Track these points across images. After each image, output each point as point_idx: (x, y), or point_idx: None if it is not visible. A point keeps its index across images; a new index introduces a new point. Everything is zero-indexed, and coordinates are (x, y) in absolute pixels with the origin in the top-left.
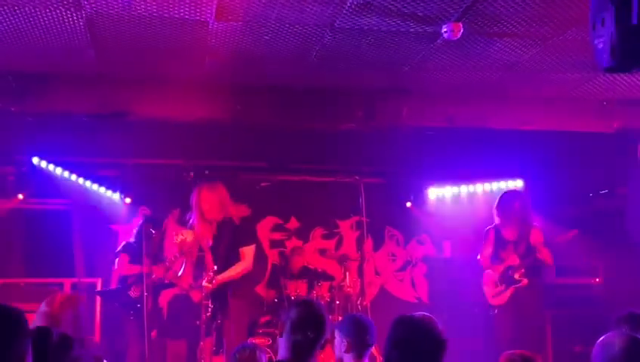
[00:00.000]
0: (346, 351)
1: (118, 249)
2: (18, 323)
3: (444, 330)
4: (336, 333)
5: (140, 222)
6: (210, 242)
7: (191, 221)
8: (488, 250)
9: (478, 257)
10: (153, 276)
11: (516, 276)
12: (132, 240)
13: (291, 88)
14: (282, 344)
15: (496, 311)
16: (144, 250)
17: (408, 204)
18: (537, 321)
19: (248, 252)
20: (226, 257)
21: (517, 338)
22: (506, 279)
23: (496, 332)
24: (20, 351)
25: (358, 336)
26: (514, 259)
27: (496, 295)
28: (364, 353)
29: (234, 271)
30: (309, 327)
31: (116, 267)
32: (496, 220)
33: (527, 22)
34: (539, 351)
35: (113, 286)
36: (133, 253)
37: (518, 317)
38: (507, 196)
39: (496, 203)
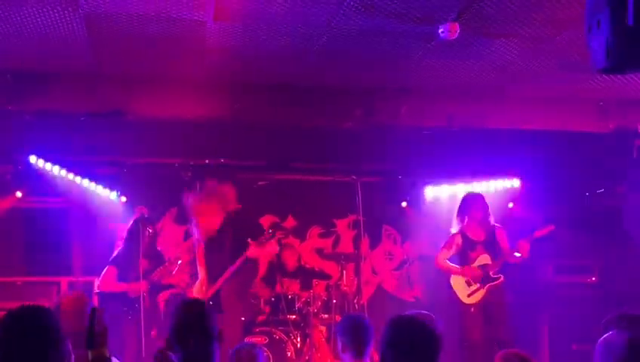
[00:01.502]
0: (342, 351)
1: (111, 258)
2: (58, 321)
3: (439, 327)
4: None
5: (134, 220)
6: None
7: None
8: (448, 254)
9: (436, 257)
10: (154, 278)
11: (492, 274)
12: (124, 240)
13: (290, 87)
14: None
15: (472, 309)
16: (141, 249)
17: (404, 204)
18: (506, 317)
19: None
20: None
21: (487, 333)
22: (483, 277)
23: (468, 328)
24: (65, 351)
25: (354, 336)
26: (486, 258)
27: (471, 294)
28: (363, 352)
29: None
30: (196, 332)
31: (101, 279)
32: (460, 225)
33: (523, 23)
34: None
35: None
36: (124, 266)
37: (488, 314)
38: (469, 198)
39: (458, 207)
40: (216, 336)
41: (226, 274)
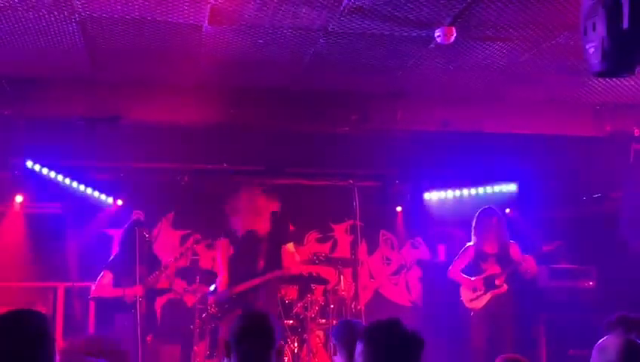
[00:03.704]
0: (334, 354)
1: (107, 263)
2: (48, 325)
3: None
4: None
5: (130, 225)
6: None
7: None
8: (461, 264)
9: (449, 269)
10: (149, 283)
11: (497, 282)
12: (119, 245)
13: (286, 92)
14: None
15: (472, 313)
16: (137, 254)
17: (399, 209)
18: (512, 329)
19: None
20: None
21: (490, 343)
22: (487, 284)
23: (471, 336)
24: (51, 352)
25: (347, 338)
26: (496, 269)
27: (474, 299)
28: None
29: None
30: (254, 337)
31: (96, 284)
32: (475, 239)
33: (519, 26)
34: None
35: None
36: (120, 271)
37: (493, 322)
38: (484, 213)
39: (474, 222)
40: (274, 346)
41: (251, 283)
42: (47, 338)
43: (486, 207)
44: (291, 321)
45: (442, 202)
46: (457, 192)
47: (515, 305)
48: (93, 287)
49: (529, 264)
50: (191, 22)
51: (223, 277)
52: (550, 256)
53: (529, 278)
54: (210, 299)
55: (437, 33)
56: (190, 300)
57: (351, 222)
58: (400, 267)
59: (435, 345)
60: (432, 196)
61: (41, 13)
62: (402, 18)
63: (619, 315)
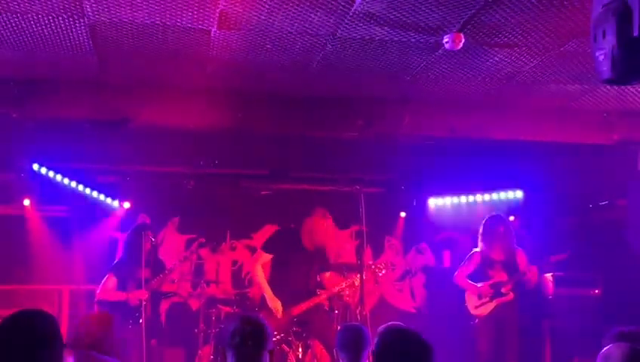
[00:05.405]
0: (336, 360)
1: (111, 266)
2: (56, 326)
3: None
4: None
5: (135, 228)
6: None
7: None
8: (468, 270)
9: (455, 274)
10: (153, 286)
11: (503, 290)
12: (124, 248)
13: (293, 96)
14: None
15: (476, 320)
16: (142, 257)
17: (403, 214)
18: (517, 336)
19: None
20: None
21: (495, 351)
22: (493, 292)
23: (476, 343)
24: (59, 352)
25: (348, 344)
26: (502, 276)
27: (479, 306)
28: (360, 359)
29: None
30: (246, 338)
31: (100, 288)
32: (482, 246)
33: (528, 33)
34: None
35: None
36: (124, 274)
37: (498, 330)
38: (491, 220)
39: (481, 229)
40: (266, 347)
41: (303, 306)
42: (55, 340)
43: (494, 214)
44: (295, 327)
45: (448, 208)
46: (463, 199)
47: (520, 312)
48: (97, 291)
49: (532, 274)
50: (200, 26)
51: (278, 308)
52: (556, 264)
53: (530, 288)
54: None
55: (445, 39)
56: (195, 304)
57: (356, 227)
58: (405, 273)
59: (439, 352)
60: (438, 202)
61: (50, 17)
62: (411, 24)
63: (618, 330)
